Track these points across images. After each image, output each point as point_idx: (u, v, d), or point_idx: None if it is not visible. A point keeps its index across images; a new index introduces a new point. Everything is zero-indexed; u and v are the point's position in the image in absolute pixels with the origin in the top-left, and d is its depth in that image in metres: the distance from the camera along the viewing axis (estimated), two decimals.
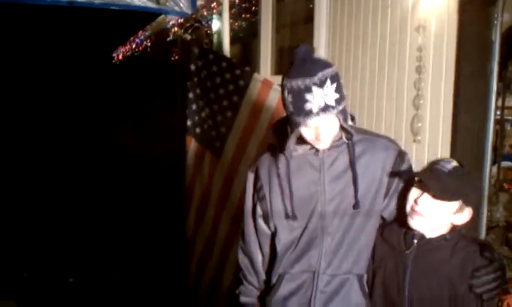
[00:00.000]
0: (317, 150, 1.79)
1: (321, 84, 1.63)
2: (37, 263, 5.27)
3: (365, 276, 1.86)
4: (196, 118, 3.82)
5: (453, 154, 2.75)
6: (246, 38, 5.48)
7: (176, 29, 7.83)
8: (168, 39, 8.30)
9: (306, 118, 1.65)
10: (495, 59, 2.61)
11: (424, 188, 1.69)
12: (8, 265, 5.14)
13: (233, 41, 5.09)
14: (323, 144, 1.75)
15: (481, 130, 2.67)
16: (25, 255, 5.46)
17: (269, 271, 1.96)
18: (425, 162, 2.89)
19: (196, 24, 6.70)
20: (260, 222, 1.95)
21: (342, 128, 1.77)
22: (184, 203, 3.96)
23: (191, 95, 3.83)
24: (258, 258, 2.00)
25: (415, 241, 1.74)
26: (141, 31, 10.70)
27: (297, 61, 1.70)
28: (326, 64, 1.68)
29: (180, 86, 6.74)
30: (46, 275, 4.96)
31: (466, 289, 1.65)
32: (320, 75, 1.64)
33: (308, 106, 1.63)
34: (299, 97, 1.64)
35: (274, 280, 1.90)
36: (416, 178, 1.73)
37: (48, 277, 4.92)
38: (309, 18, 4.02)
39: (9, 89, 13.54)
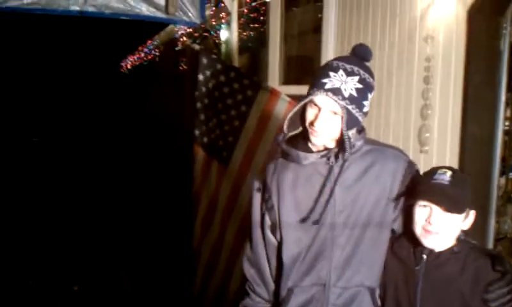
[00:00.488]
0: (328, 159, 1.75)
1: (349, 74, 1.65)
2: (42, 271, 5.28)
3: (378, 290, 1.82)
4: (204, 127, 3.83)
5: (461, 165, 2.74)
6: (254, 47, 5.51)
7: (184, 38, 7.87)
8: (177, 48, 8.34)
9: (316, 89, 1.65)
10: (503, 69, 2.61)
11: (433, 206, 1.67)
12: (13, 273, 5.15)
13: (241, 51, 5.12)
14: (318, 136, 1.71)
15: (489, 141, 2.66)
16: (30, 262, 5.48)
17: (278, 284, 1.91)
18: None
19: (205, 34, 6.74)
20: (268, 232, 1.91)
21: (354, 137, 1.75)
22: (191, 211, 3.96)
23: (198, 105, 3.84)
24: (267, 268, 1.94)
25: (425, 256, 1.73)
26: (149, 41, 10.76)
27: (351, 52, 1.76)
28: (369, 71, 1.72)
29: (188, 95, 6.78)
30: (51, 283, 4.97)
31: (479, 303, 1.63)
32: (355, 68, 1.67)
33: (324, 80, 1.65)
34: (324, 71, 1.67)
35: (283, 293, 1.84)
36: (420, 200, 1.70)
37: (53, 285, 4.93)
38: (317, 28, 4.04)
39: (19, 95, 13.65)
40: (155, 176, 8.21)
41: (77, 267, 5.36)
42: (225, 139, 3.72)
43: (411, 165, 1.87)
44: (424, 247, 1.72)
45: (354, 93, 1.65)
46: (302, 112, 1.77)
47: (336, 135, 1.72)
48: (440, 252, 1.72)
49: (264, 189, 1.89)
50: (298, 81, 4.42)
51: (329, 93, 1.63)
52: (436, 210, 1.66)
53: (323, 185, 1.76)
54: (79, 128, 13.06)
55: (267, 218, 1.89)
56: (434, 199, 1.66)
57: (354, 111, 1.67)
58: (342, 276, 1.77)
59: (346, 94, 1.64)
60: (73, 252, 5.75)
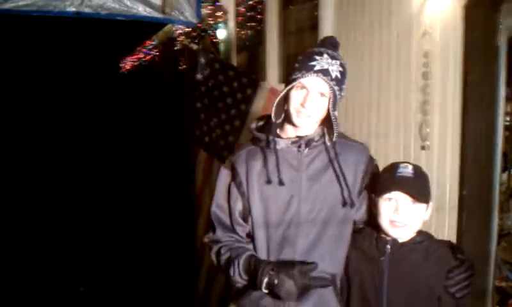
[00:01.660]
0: (299, 147, 1.83)
1: (333, 58, 1.76)
2: (48, 272, 5.29)
3: (340, 276, 1.88)
4: (205, 127, 3.83)
5: (462, 160, 2.73)
6: (252, 46, 5.49)
7: (182, 38, 7.86)
8: (175, 48, 8.33)
9: (305, 71, 1.73)
10: (501, 65, 2.60)
11: (399, 198, 1.75)
12: (19, 274, 5.16)
13: (239, 50, 5.11)
14: (304, 118, 1.77)
15: (490, 136, 2.65)
16: (36, 264, 5.49)
17: None
18: (434, 172, 2.90)
19: (203, 33, 6.72)
20: (237, 217, 1.94)
21: (324, 124, 1.84)
22: (193, 213, 3.96)
23: (198, 104, 3.84)
24: (227, 237, 1.97)
25: (389, 247, 1.80)
26: (148, 41, 10.75)
27: (324, 40, 1.86)
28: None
29: (187, 95, 6.77)
30: (57, 284, 4.98)
31: (442, 289, 1.73)
32: (336, 54, 1.78)
33: (312, 63, 1.73)
34: (309, 56, 1.76)
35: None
36: (387, 192, 1.77)
37: (59, 286, 4.94)
38: (314, 26, 4.02)
39: (16, 97, 13.66)
40: (157, 177, 8.21)
41: (83, 268, 5.37)
42: (226, 138, 3.72)
43: (372, 160, 1.95)
44: (387, 239, 1.80)
45: (339, 75, 1.76)
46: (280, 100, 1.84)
47: (321, 117, 1.81)
48: (403, 243, 1.80)
49: (234, 174, 1.93)
50: None
51: (320, 74, 1.72)
52: (403, 201, 1.75)
53: (291, 174, 1.82)
54: (80, 129, 13.06)
55: (239, 203, 1.93)
56: (403, 190, 1.74)
57: (337, 93, 1.78)
58: None
59: (333, 76, 1.74)
60: (79, 254, 5.77)
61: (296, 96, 1.77)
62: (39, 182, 9.06)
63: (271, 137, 1.85)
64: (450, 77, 2.79)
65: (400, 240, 1.80)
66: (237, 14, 5.27)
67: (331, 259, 1.85)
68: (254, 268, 1.79)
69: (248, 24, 5.63)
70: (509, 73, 2.66)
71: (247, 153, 1.93)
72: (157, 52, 10.35)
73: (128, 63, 13.08)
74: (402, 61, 3.13)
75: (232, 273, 1.88)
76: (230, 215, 1.95)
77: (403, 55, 3.11)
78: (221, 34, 6.39)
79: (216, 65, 3.80)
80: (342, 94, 1.82)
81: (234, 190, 1.93)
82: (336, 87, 1.75)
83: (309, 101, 1.75)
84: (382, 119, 3.33)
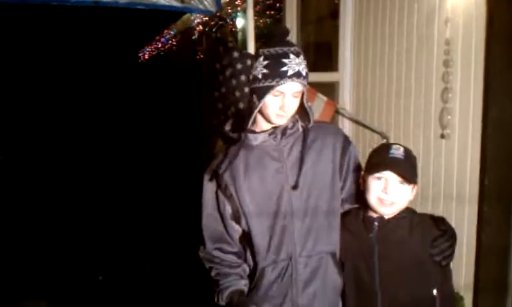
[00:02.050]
0: (275, 137, 1.88)
1: (297, 54, 1.79)
2: (67, 260, 5.36)
3: (338, 253, 1.95)
4: (222, 117, 3.82)
5: (483, 149, 2.69)
6: (270, 35, 5.48)
7: (200, 27, 7.86)
8: (193, 38, 8.33)
9: (280, 80, 1.76)
10: None
11: (389, 178, 1.82)
12: (37, 264, 5.23)
13: (258, 39, 5.08)
14: (284, 118, 1.84)
15: None
16: (56, 252, 5.56)
17: (250, 266, 1.98)
18: (454, 161, 2.87)
19: (221, 22, 6.71)
20: (230, 222, 1.96)
21: (299, 111, 1.88)
22: None
23: (216, 94, 3.83)
24: (220, 252, 2.00)
25: (376, 224, 1.88)
26: (166, 30, 10.77)
27: (275, 34, 1.85)
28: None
29: (205, 84, 6.76)
30: (76, 273, 5.04)
31: (428, 257, 1.82)
32: (295, 48, 1.80)
33: (284, 68, 1.76)
34: (277, 61, 1.77)
35: (257, 275, 1.92)
36: (379, 172, 1.83)
37: (78, 275, 4.99)
38: (334, 13, 3.99)
39: (34, 87, 13.81)
40: (174, 167, 8.24)
41: (103, 258, 5.42)
42: None
43: (347, 139, 2.01)
44: (374, 217, 1.89)
45: (306, 70, 1.81)
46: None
47: (296, 109, 1.87)
48: (389, 219, 1.88)
49: (218, 180, 1.94)
50: (315, 68, 4.38)
51: (294, 78, 1.76)
52: (393, 181, 1.82)
53: (275, 165, 1.88)
54: (98, 119, 13.16)
55: (228, 207, 1.94)
56: (394, 170, 1.81)
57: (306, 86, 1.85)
58: (305, 246, 1.88)
59: (304, 74, 1.79)
60: (99, 243, 5.82)
61: (273, 102, 1.81)
62: (59, 175, 9.16)
63: (248, 135, 1.89)
64: (472, 65, 2.75)
65: (386, 217, 1.88)
66: (256, 2, 5.24)
67: (327, 239, 1.92)
68: (236, 304, 1.91)
69: (267, 13, 5.61)
70: None
71: (226, 156, 1.95)
72: (175, 41, 10.37)
73: (146, 53, 13.13)
74: (423, 48, 3.09)
75: (216, 298, 1.99)
76: (223, 221, 1.97)
77: (425, 42, 3.08)
78: (240, 22, 6.37)
79: (234, 54, 3.78)
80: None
81: (221, 196, 1.94)
82: (306, 82, 1.82)
83: (287, 104, 1.81)
84: (402, 108, 3.30)
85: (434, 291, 1.82)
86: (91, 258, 5.41)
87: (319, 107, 3.48)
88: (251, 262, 1.97)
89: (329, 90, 3.89)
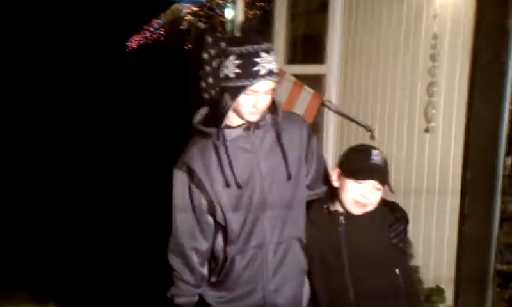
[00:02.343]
0: (248, 131, 1.91)
1: (268, 51, 1.80)
2: (59, 257, 5.30)
3: (303, 237, 2.03)
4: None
5: (467, 143, 2.73)
6: (259, 26, 5.47)
7: (189, 17, 7.82)
8: (182, 27, 8.29)
9: (254, 80, 1.78)
10: (510, 49, 2.58)
11: (368, 183, 1.89)
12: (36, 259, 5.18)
13: None
14: (257, 115, 1.87)
15: (496, 120, 2.64)
16: (54, 248, 5.49)
17: (219, 256, 2.01)
18: (437, 154, 2.89)
19: (210, 12, 6.68)
20: (205, 215, 1.97)
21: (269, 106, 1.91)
22: None
23: (203, 84, 3.82)
24: (194, 257, 2.01)
25: (342, 218, 1.97)
26: (154, 19, 10.70)
27: (244, 31, 1.89)
28: (266, 39, 1.86)
29: (192, 74, 6.74)
30: (68, 268, 5.00)
31: (389, 242, 1.97)
32: (265, 45, 1.81)
33: (256, 68, 1.77)
34: (249, 60, 1.78)
35: (227, 264, 1.96)
36: (362, 179, 1.90)
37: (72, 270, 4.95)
38: (323, 6, 3.99)
39: (21, 78, 13.65)
40: (161, 158, 8.18)
41: (98, 251, 5.36)
42: None
43: (310, 128, 2.09)
44: (340, 211, 1.98)
45: (277, 65, 1.83)
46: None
47: (268, 104, 1.89)
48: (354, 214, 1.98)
49: (191, 175, 1.93)
50: (304, 60, 4.39)
51: (267, 77, 1.79)
52: (372, 187, 1.89)
53: (248, 157, 1.92)
54: (84, 109, 13.05)
55: (203, 201, 1.94)
56: (378, 179, 1.89)
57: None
58: (274, 234, 1.94)
59: (275, 71, 1.82)
60: (94, 236, 5.76)
61: (247, 101, 1.84)
62: (46, 162, 9.06)
63: (223, 131, 1.90)
64: (459, 60, 2.78)
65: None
66: None
67: (295, 225, 1.99)
68: None
69: (257, 4, 5.60)
70: None
71: (198, 149, 1.95)
72: (163, 31, 10.31)
73: (134, 42, 13.04)
74: (410, 41, 3.11)
75: (169, 294, 2.08)
76: (196, 214, 1.97)
77: (412, 36, 3.10)
78: (229, 13, 6.35)
79: (222, 44, 3.77)
80: None
81: (195, 189, 1.94)
82: (277, 78, 1.85)
83: (261, 102, 1.84)
84: (387, 101, 3.32)
85: (397, 270, 1.96)
86: (87, 251, 5.36)
87: (305, 99, 3.49)
88: (220, 251, 2.00)
89: (316, 83, 3.89)
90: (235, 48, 1.82)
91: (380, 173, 1.89)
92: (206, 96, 3.83)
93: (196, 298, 2.06)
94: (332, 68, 3.89)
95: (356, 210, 1.93)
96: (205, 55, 3.86)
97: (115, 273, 4.80)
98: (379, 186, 1.90)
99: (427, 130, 2.96)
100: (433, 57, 2.89)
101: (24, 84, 13.57)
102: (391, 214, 2.02)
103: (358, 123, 3.56)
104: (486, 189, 2.66)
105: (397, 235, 1.99)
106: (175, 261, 2.05)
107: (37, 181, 7.95)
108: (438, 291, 2.81)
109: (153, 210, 6.02)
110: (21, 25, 13.72)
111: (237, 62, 1.81)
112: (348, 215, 1.96)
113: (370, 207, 1.93)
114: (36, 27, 14.07)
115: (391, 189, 1.92)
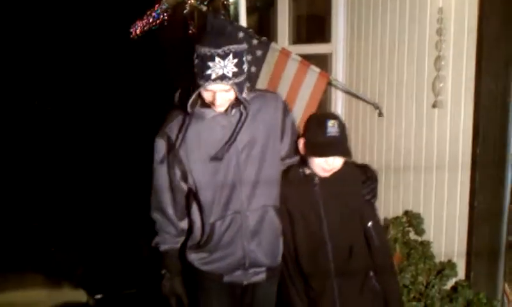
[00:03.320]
0: (226, 112, 2.08)
1: (224, 56, 1.92)
2: (63, 239, 5.36)
3: (278, 204, 2.22)
4: None
5: (476, 120, 2.70)
6: (263, 7, 5.42)
7: (192, 1, 7.76)
8: (185, 11, 8.24)
9: (205, 82, 1.94)
10: None
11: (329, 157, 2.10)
12: (36, 240, 5.24)
13: (249, 11, 5.03)
14: (218, 108, 2.04)
15: (505, 93, 2.62)
16: (52, 231, 5.56)
17: (196, 223, 2.22)
18: (447, 129, 2.88)
19: None
20: (179, 182, 2.18)
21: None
22: None
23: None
24: (170, 211, 2.25)
25: (317, 178, 2.17)
26: (157, 5, 10.64)
27: (210, 30, 2.05)
28: (233, 40, 1.97)
29: None
30: (75, 247, 5.05)
31: (361, 198, 2.19)
32: (225, 48, 1.92)
33: (208, 72, 1.92)
34: (203, 63, 1.92)
35: (207, 229, 2.16)
36: (320, 156, 2.11)
37: (77, 249, 5.00)
38: None
39: (25, 63, 13.66)
40: None
41: (97, 236, 5.42)
42: None
43: (286, 104, 2.27)
44: (313, 173, 2.17)
45: (235, 69, 1.94)
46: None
47: (233, 97, 2.04)
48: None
49: (169, 143, 2.14)
50: (308, 40, 4.36)
51: (218, 81, 1.93)
52: (332, 157, 2.10)
53: (225, 133, 2.09)
54: (88, 95, 13.06)
55: (177, 169, 2.15)
56: (334, 153, 2.09)
57: (240, 80, 1.99)
58: (251, 201, 2.14)
59: (230, 75, 1.94)
60: (92, 221, 5.82)
61: (206, 96, 2.01)
62: (52, 149, 9.12)
63: (201, 109, 2.07)
64: (465, 33, 2.74)
65: None
66: None
67: (270, 194, 2.19)
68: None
69: None
70: None
71: (177, 122, 2.13)
72: (166, 15, 10.25)
73: (138, 27, 12.98)
74: (416, 16, 3.08)
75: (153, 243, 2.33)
76: (171, 182, 2.19)
77: (418, 10, 3.07)
78: None
79: (218, 21, 3.75)
80: (245, 71, 2.01)
81: (171, 158, 2.14)
82: (237, 80, 1.96)
83: (218, 99, 1.99)
84: (394, 77, 3.30)
85: (370, 223, 2.21)
86: (88, 232, 5.42)
87: (312, 79, 3.47)
88: (197, 219, 2.20)
89: (322, 62, 3.87)
90: (197, 47, 1.95)
91: (336, 147, 2.09)
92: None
93: (178, 246, 2.31)
94: (338, 46, 3.87)
95: (325, 174, 2.14)
96: None
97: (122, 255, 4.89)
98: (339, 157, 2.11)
99: (435, 106, 2.94)
100: (439, 32, 2.86)
101: (26, 70, 13.60)
102: (363, 174, 2.23)
103: (365, 101, 3.55)
104: (496, 163, 2.65)
105: (371, 191, 2.21)
106: (155, 215, 2.29)
107: (42, 162, 8.04)
108: (450, 266, 2.82)
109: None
110: (22, 11, 13.68)
111: (196, 61, 1.95)
112: (322, 177, 2.16)
113: (335, 170, 2.13)
114: (39, 14, 14.04)
115: (350, 155, 2.12)
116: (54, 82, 13.54)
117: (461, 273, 2.82)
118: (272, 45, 3.61)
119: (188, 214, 2.25)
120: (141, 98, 11.37)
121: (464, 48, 2.74)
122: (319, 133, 2.10)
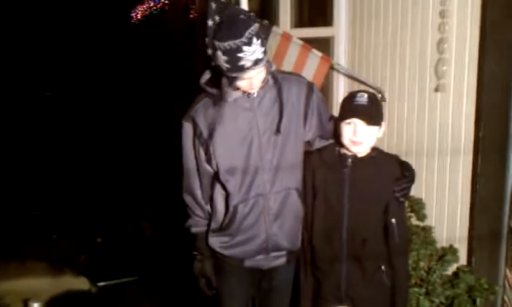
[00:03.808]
0: (249, 94, 2.12)
1: (249, 42, 1.94)
2: (66, 223, 5.39)
3: (301, 187, 2.26)
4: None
5: (478, 103, 2.68)
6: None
7: None
8: None
9: (241, 73, 1.98)
10: None
11: (357, 122, 2.09)
12: (37, 227, 5.26)
13: None
14: (255, 89, 2.09)
15: (508, 78, 2.58)
16: (54, 215, 5.59)
17: (222, 206, 2.26)
18: (449, 113, 2.86)
19: None
20: (204, 164, 2.23)
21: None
22: None
23: (209, 51, 3.78)
24: (199, 194, 2.30)
25: (350, 160, 2.18)
26: None
27: (224, 23, 1.99)
28: (249, 22, 1.97)
29: (199, 42, 6.68)
30: (75, 235, 5.07)
31: (390, 192, 2.16)
32: (247, 34, 1.93)
33: (241, 63, 1.96)
34: (232, 56, 1.95)
35: (231, 210, 2.20)
36: (346, 119, 2.11)
37: (78, 237, 5.02)
38: None
39: (27, 49, 13.64)
40: (168, 128, 8.20)
41: (101, 219, 5.44)
42: None
43: (310, 85, 2.28)
44: (348, 154, 2.18)
45: (262, 48, 1.99)
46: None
47: (264, 76, 2.10)
48: (361, 158, 2.18)
49: (195, 127, 2.19)
50: (310, 24, 4.32)
51: (253, 67, 1.97)
52: (360, 125, 2.09)
53: (248, 115, 2.13)
54: (90, 81, 13.05)
55: (201, 152, 2.21)
56: (359, 116, 2.08)
57: (267, 57, 2.06)
58: (274, 184, 2.18)
59: (261, 56, 1.99)
60: (96, 204, 5.84)
61: (243, 84, 2.05)
62: (54, 134, 9.14)
63: (225, 93, 2.11)
64: (469, 15, 2.71)
65: (359, 155, 2.17)
66: None
67: (292, 177, 2.22)
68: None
69: None
70: None
71: (203, 105, 2.18)
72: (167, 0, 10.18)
73: (139, 12, 12.90)
74: None
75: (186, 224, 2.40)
76: (198, 165, 2.25)
77: None
78: None
79: (227, 11, 3.72)
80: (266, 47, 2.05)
81: (197, 141, 2.20)
82: (265, 59, 2.02)
83: (255, 82, 2.06)
84: (397, 61, 3.27)
85: (393, 220, 2.17)
86: (91, 219, 5.44)
87: (313, 63, 3.45)
88: (220, 201, 2.25)
89: (324, 45, 3.84)
90: (220, 44, 1.95)
91: (361, 112, 2.08)
92: (212, 63, 3.81)
93: (205, 228, 2.34)
94: (340, 30, 3.84)
95: (355, 149, 2.14)
96: (210, 23, 3.83)
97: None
98: (365, 123, 2.08)
99: (437, 90, 2.91)
100: (442, 14, 2.83)
101: (29, 53, 13.58)
102: (400, 170, 2.20)
103: (368, 85, 3.51)
104: (498, 147, 2.62)
105: (402, 190, 2.17)
106: (186, 198, 2.36)
107: (44, 149, 8.07)
108: (452, 251, 2.80)
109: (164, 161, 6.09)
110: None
111: (225, 57, 1.97)
112: (356, 158, 2.17)
113: (366, 144, 2.13)
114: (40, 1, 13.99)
115: (378, 124, 2.11)
116: (57, 69, 13.51)
117: (462, 258, 2.81)
118: (274, 28, 3.58)
119: (211, 197, 2.30)
120: (141, 83, 11.35)
121: (468, 30, 2.71)
122: (347, 102, 2.14)
